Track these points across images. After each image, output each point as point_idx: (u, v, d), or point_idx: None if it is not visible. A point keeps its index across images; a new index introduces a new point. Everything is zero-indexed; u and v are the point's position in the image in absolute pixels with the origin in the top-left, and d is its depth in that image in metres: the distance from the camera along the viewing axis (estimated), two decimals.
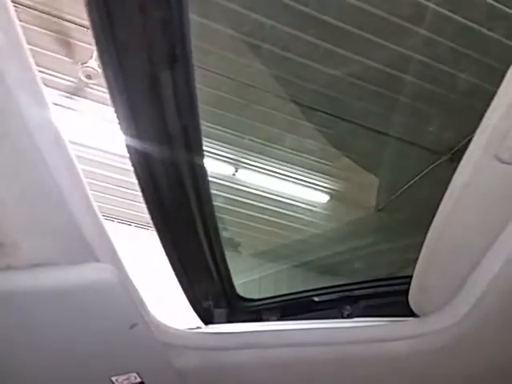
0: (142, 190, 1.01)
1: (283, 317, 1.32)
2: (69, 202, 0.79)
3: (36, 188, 0.78)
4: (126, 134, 0.91)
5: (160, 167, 1.01)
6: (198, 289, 1.27)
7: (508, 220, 0.92)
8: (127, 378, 1.06)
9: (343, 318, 1.31)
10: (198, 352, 1.15)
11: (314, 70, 4.96)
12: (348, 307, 1.33)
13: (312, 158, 6.09)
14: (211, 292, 1.28)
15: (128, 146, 0.94)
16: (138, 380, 1.07)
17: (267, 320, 1.34)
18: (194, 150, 0.99)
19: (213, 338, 1.19)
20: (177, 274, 1.23)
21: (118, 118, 0.91)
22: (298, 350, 1.22)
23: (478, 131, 0.82)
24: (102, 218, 0.86)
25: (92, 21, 0.75)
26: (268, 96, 5.26)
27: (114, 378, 1.05)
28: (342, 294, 1.39)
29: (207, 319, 1.34)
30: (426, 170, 4.22)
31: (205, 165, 1.00)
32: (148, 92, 0.87)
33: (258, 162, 6.22)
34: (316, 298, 1.38)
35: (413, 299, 1.16)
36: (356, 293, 1.37)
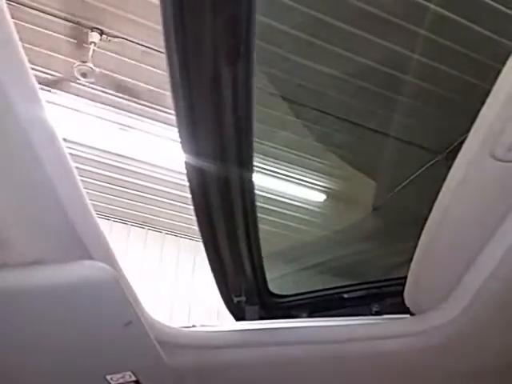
0: (194, 201, 1.12)
1: (313, 313, 1.31)
2: (62, 199, 0.79)
3: (29, 186, 0.77)
4: (185, 151, 0.97)
5: (212, 181, 1.06)
6: (231, 285, 1.27)
7: (503, 218, 0.93)
8: (122, 377, 1.06)
9: (372, 314, 1.32)
10: (193, 350, 1.15)
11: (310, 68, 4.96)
12: (377, 304, 1.33)
13: (307, 156, 6.10)
14: (244, 288, 1.28)
15: (186, 163, 1.00)
16: (133, 378, 1.07)
17: (297, 316, 1.33)
18: (246, 164, 1.03)
19: (208, 336, 1.19)
20: (214, 272, 1.23)
21: (180, 136, 0.94)
22: (293, 349, 1.22)
23: (473, 128, 0.81)
24: (95, 215, 0.86)
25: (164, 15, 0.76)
26: (263, 95, 5.26)
27: (108, 377, 1.05)
28: (371, 291, 1.39)
29: (239, 315, 1.34)
30: (421, 169, 4.23)
31: (253, 178, 1.04)
32: (209, 101, 0.87)
33: (254, 161, 6.22)
34: (345, 295, 1.38)
35: (408, 297, 1.16)
36: (385, 290, 1.36)
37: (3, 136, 0.70)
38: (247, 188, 1.07)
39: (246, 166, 1.02)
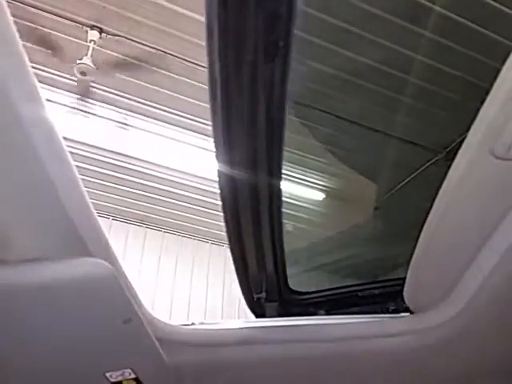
0: (223, 203, 1.15)
1: (331, 310, 1.31)
2: (62, 197, 0.79)
3: (29, 183, 0.77)
4: (219, 160, 1.02)
5: (243, 185, 1.09)
6: (253, 282, 1.27)
7: (503, 216, 0.93)
8: (121, 374, 1.06)
9: (389, 312, 1.32)
10: (192, 348, 1.15)
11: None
12: (393, 302, 1.33)
13: (307, 155, 6.10)
14: (265, 285, 1.28)
15: (219, 171, 1.06)
16: (133, 376, 1.07)
17: (315, 314, 1.33)
18: (276, 172, 1.06)
19: (207, 334, 1.19)
20: (237, 269, 1.23)
21: (215, 145, 0.99)
22: (291, 347, 1.22)
23: (473, 127, 0.82)
24: (95, 213, 0.86)
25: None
26: None
27: (108, 374, 1.05)
28: (387, 289, 1.39)
29: (259, 312, 1.34)
30: (421, 169, 4.23)
31: (280, 182, 1.08)
32: (245, 103, 0.89)
33: None
34: (362, 293, 1.38)
35: (408, 295, 1.16)
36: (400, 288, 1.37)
37: (3, 134, 0.70)
38: (275, 190, 1.10)
39: (276, 169, 1.05)
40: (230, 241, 1.17)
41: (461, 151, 0.84)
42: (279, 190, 1.10)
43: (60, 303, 0.87)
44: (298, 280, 1.35)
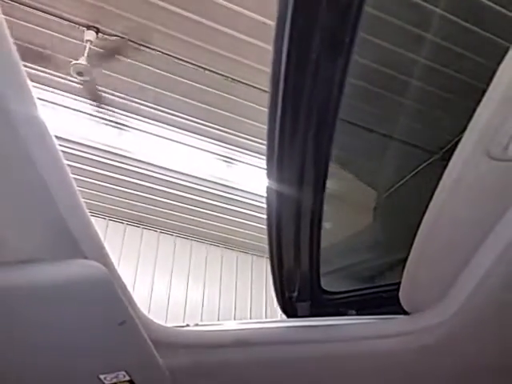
0: (269, 220, 1.15)
1: (361, 310, 1.30)
2: (55, 197, 0.78)
3: (21, 184, 0.76)
4: (269, 177, 1.06)
5: (289, 198, 1.11)
6: (286, 282, 1.27)
7: (499, 217, 0.92)
8: (116, 376, 1.05)
9: None
10: (187, 350, 1.14)
11: None
12: None
13: None
14: (298, 285, 1.28)
15: (268, 188, 1.10)
16: (127, 378, 1.06)
17: (345, 314, 1.32)
18: (319, 189, 1.10)
19: (202, 335, 1.18)
20: (272, 268, 1.23)
21: (268, 164, 1.03)
22: (287, 348, 1.21)
23: (469, 127, 0.81)
24: (89, 214, 0.85)
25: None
26: (260, 93, 5.26)
27: (102, 376, 1.04)
28: None
29: (290, 312, 1.33)
30: (417, 169, 4.23)
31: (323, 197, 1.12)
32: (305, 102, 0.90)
33: (249, 160, 6.23)
34: (390, 294, 1.37)
35: (403, 296, 1.16)
36: None
37: None
38: (317, 200, 1.12)
39: (321, 183, 1.09)
40: (270, 243, 1.18)
41: (456, 151, 0.84)
42: (322, 199, 1.13)
43: (53, 305, 0.86)
44: (329, 279, 1.34)
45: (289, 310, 1.32)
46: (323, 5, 0.76)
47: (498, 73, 0.77)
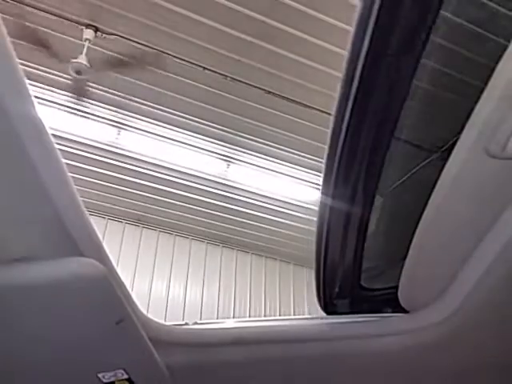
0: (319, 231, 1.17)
1: (397, 308, 1.30)
2: (52, 195, 0.78)
3: (18, 181, 0.76)
4: (323, 193, 1.11)
5: (340, 215, 1.16)
6: (328, 280, 1.27)
7: (498, 214, 0.92)
8: (114, 375, 1.05)
9: None
10: (185, 348, 1.14)
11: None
12: None
13: (303, 154, 6.12)
14: (340, 282, 1.28)
15: (321, 202, 1.13)
16: (125, 376, 1.06)
17: (383, 311, 1.32)
18: (368, 202, 1.14)
19: (201, 334, 1.18)
20: (317, 264, 1.24)
21: (325, 178, 1.06)
22: (286, 347, 1.21)
23: (468, 125, 0.81)
24: (86, 212, 0.85)
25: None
26: (260, 93, 5.26)
27: (100, 375, 1.04)
28: None
29: (330, 309, 1.33)
30: (416, 168, 4.22)
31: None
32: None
33: (250, 159, 6.23)
34: None
35: (402, 294, 1.16)
36: None
37: None
38: (367, 209, 1.16)
39: (371, 197, 1.15)
40: (317, 242, 1.20)
41: (455, 150, 0.83)
42: (371, 209, 1.17)
43: (50, 304, 0.86)
44: (369, 276, 1.33)
45: (329, 306, 1.32)
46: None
47: (497, 70, 0.77)
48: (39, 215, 0.80)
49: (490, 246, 0.97)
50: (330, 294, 1.29)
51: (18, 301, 0.84)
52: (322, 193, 1.10)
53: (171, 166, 6.22)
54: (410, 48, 0.85)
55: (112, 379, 1.06)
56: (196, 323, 1.22)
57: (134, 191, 6.65)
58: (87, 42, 4.60)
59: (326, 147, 1.02)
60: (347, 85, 0.89)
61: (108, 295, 0.88)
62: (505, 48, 0.76)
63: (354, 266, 1.22)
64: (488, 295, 1.04)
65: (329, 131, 0.98)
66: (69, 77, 4.87)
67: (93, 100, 5.36)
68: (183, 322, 1.21)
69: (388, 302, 1.24)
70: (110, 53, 4.84)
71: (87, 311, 0.90)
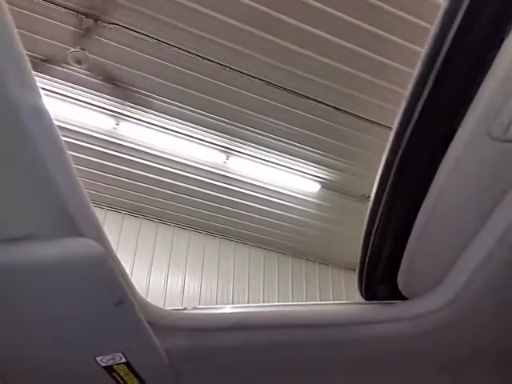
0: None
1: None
2: (52, 175, 0.77)
3: (19, 161, 0.76)
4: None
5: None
6: (369, 266, 1.27)
7: (499, 199, 0.92)
8: (112, 358, 1.04)
9: None
10: (184, 333, 1.14)
11: (309, 57, 4.95)
12: None
13: (304, 147, 6.11)
14: (381, 269, 1.28)
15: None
16: (124, 360, 1.06)
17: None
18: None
19: (200, 318, 1.18)
20: (363, 250, 1.24)
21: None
22: (286, 332, 1.21)
23: (470, 107, 0.80)
24: (86, 192, 0.84)
25: None
26: (257, 83, 5.24)
27: (98, 358, 1.04)
28: None
29: (370, 294, 1.33)
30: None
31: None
32: None
33: (249, 150, 6.22)
34: None
35: (401, 281, 1.15)
36: None
37: None
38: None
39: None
40: (366, 234, 1.20)
41: (458, 132, 0.83)
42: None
43: (49, 284, 0.86)
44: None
45: (368, 292, 1.32)
46: None
47: (501, 51, 0.76)
48: (39, 195, 0.80)
49: (491, 232, 0.97)
50: (370, 280, 1.29)
51: (16, 280, 0.84)
52: (378, 187, 1.10)
53: (170, 157, 6.21)
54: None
55: (110, 363, 1.06)
56: (195, 308, 1.22)
57: (133, 182, 6.64)
58: (87, 31, 4.58)
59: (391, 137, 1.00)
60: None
61: (107, 276, 0.88)
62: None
63: (394, 254, 1.22)
64: (488, 282, 1.04)
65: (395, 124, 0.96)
66: (67, 66, 4.85)
67: (91, 89, 5.34)
68: (182, 307, 1.21)
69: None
70: (110, 42, 4.82)
71: (86, 292, 0.90)
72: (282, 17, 4.49)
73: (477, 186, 0.91)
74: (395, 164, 0.99)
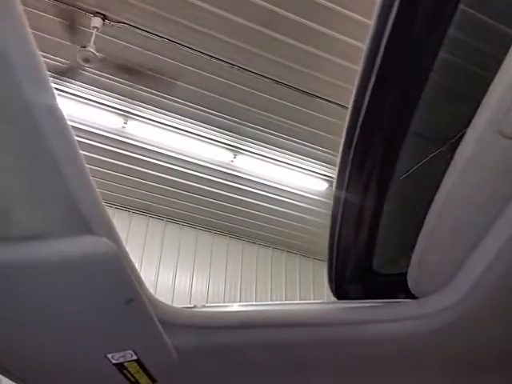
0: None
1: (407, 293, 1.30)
2: (64, 173, 0.78)
3: (31, 159, 0.76)
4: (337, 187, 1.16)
5: (353, 206, 1.19)
6: (339, 263, 1.27)
7: (508, 199, 0.91)
8: (123, 355, 1.05)
9: None
10: (194, 331, 1.14)
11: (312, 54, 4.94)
12: None
13: (311, 145, 6.10)
14: (351, 267, 1.28)
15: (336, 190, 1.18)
16: (134, 357, 1.06)
17: (395, 297, 1.32)
18: (382, 193, 1.18)
19: (209, 316, 1.18)
20: (329, 248, 1.24)
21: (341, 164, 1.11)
22: (295, 331, 1.21)
23: (481, 105, 0.80)
24: (97, 190, 0.85)
25: None
26: (265, 81, 5.24)
27: (109, 355, 1.04)
28: None
29: (341, 294, 1.33)
30: (424, 160, 4.20)
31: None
32: None
33: (257, 149, 6.22)
34: None
35: (411, 280, 1.15)
36: None
37: (3, 105, 0.69)
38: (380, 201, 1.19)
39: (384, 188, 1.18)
40: (332, 227, 1.20)
41: (469, 130, 0.83)
42: (383, 201, 1.20)
43: (61, 282, 0.86)
44: (380, 261, 1.33)
45: (340, 292, 1.32)
46: None
47: (511, 51, 0.76)
48: (51, 193, 0.80)
49: (500, 231, 0.96)
50: (341, 279, 1.29)
51: (28, 278, 0.85)
52: (338, 178, 1.11)
53: (178, 156, 6.21)
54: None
55: (121, 360, 1.06)
56: (204, 306, 1.22)
57: (141, 181, 6.65)
58: (95, 30, 4.59)
59: (343, 134, 1.02)
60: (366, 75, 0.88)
61: (119, 274, 0.88)
62: None
63: (365, 251, 1.22)
64: (497, 280, 1.04)
65: (347, 117, 0.98)
66: (76, 64, 4.86)
67: (97, 87, 5.35)
68: (191, 305, 1.21)
69: (401, 287, 1.24)
70: (118, 41, 4.84)
71: (98, 290, 0.91)
72: (291, 15, 4.49)
73: (487, 185, 0.90)
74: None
